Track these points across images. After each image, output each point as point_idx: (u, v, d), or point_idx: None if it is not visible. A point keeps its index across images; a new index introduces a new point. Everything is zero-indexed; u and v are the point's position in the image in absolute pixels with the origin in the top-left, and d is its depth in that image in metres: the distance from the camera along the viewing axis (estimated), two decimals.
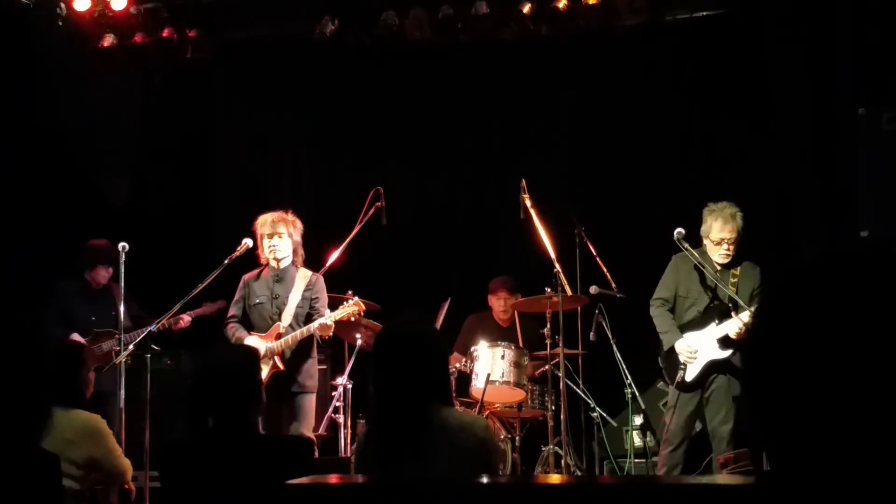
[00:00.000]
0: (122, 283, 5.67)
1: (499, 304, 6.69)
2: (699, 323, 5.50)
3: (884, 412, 0.98)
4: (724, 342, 5.35)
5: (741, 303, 5.24)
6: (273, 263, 5.75)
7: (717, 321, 5.43)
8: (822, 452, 1.01)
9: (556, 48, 7.47)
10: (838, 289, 1.04)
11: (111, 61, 7.65)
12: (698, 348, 5.42)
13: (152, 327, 5.56)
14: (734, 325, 5.34)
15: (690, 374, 5.45)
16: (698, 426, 5.72)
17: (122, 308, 5.77)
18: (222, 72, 8.21)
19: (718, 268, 5.49)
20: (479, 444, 2.80)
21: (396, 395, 2.81)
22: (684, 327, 5.54)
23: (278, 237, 5.70)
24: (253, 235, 5.78)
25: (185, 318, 6.20)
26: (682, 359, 5.45)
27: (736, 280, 5.45)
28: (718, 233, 5.42)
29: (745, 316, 5.21)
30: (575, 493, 2.20)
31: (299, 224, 5.82)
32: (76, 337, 6.12)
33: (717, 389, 5.45)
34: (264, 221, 5.74)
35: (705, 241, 5.53)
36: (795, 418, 1.03)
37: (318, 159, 8.22)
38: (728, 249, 5.41)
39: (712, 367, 5.44)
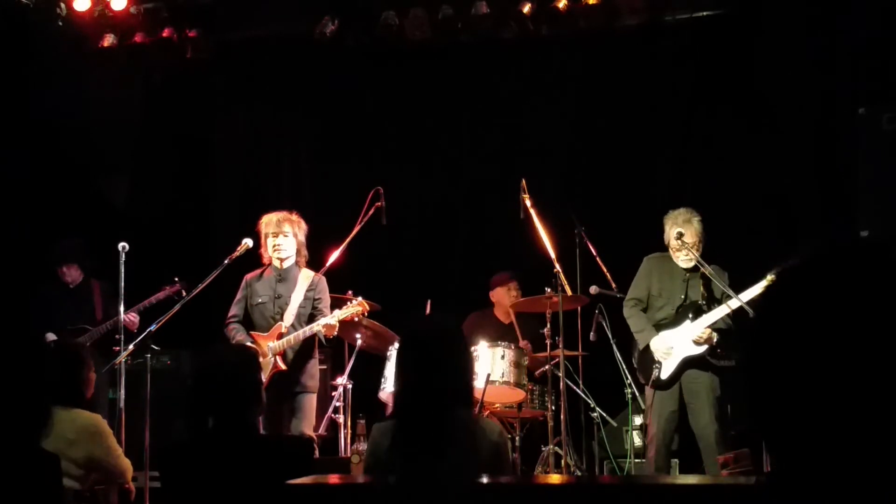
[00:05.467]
0: (122, 284, 5.67)
1: (510, 294, 6.69)
2: (673, 321, 5.52)
3: (885, 409, 0.98)
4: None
5: (729, 291, 5.25)
6: (276, 263, 5.75)
7: (690, 318, 5.45)
8: (825, 450, 1.00)
9: (556, 48, 7.47)
10: (839, 285, 1.04)
11: (111, 61, 7.65)
12: (673, 346, 5.44)
13: (152, 327, 5.56)
14: (714, 317, 5.37)
15: (665, 372, 5.46)
16: (676, 440, 5.71)
17: (122, 308, 5.78)
18: (222, 72, 8.21)
19: (688, 272, 5.53)
20: (493, 448, 2.82)
21: (418, 396, 2.81)
22: (658, 326, 5.56)
23: (283, 236, 5.70)
24: (256, 235, 5.78)
25: (131, 317, 6.23)
26: (658, 355, 5.45)
27: (705, 281, 5.48)
28: (676, 238, 5.45)
29: (734, 303, 5.22)
30: (575, 493, 2.21)
31: (304, 224, 5.81)
32: (49, 336, 6.25)
33: (698, 391, 5.44)
34: (269, 221, 5.74)
35: (670, 249, 5.57)
36: (797, 416, 1.02)
37: (318, 159, 8.21)
38: (688, 254, 5.43)
39: (687, 364, 5.45)
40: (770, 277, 5.17)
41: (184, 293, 5.93)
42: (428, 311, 6.36)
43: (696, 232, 5.46)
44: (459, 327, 3.06)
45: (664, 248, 5.67)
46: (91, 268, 6.71)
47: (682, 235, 5.46)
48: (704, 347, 5.41)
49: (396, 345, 5.79)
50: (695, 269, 5.52)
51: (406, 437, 2.80)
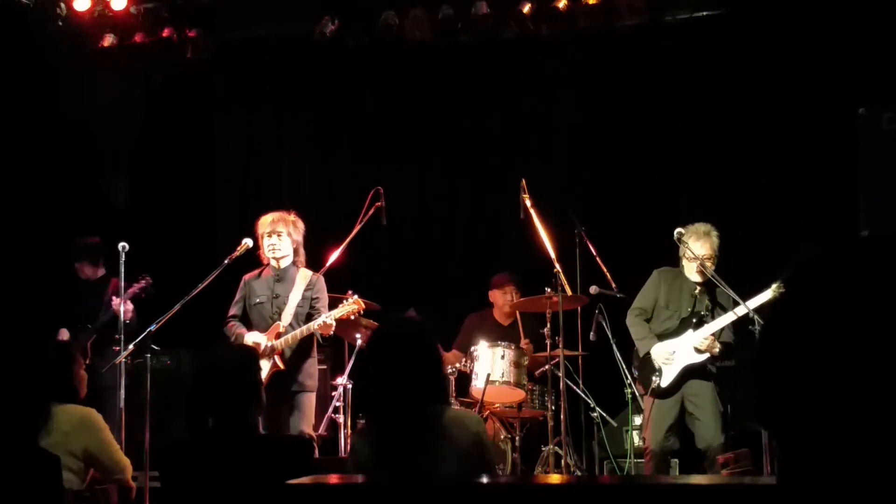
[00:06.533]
0: (122, 283, 5.67)
1: (505, 298, 6.68)
2: (675, 332, 5.51)
3: None
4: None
5: (736, 297, 5.24)
6: (273, 263, 5.76)
7: (693, 328, 5.44)
8: (837, 449, 1.00)
9: (556, 48, 7.47)
10: (852, 282, 1.03)
11: (111, 61, 7.66)
12: (674, 352, 5.43)
13: (152, 327, 5.56)
14: (716, 326, 5.38)
15: (666, 380, 5.43)
16: (676, 445, 5.68)
17: (122, 308, 5.77)
18: (222, 72, 8.22)
19: (697, 287, 5.53)
20: (474, 439, 2.81)
21: (393, 396, 2.81)
22: (660, 337, 5.53)
23: (277, 236, 5.71)
24: (254, 236, 5.78)
25: (116, 301, 6.24)
26: (659, 362, 5.44)
27: (713, 296, 5.49)
28: (694, 251, 5.45)
29: (740, 310, 5.21)
30: (575, 493, 2.21)
31: (300, 224, 5.81)
32: (63, 332, 6.28)
33: (702, 403, 5.41)
34: (264, 221, 5.76)
35: (683, 262, 5.56)
36: (809, 414, 1.02)
37: (318, 159, 8.22)
38: (702, 266, 5.43)
39: (688, 374, 5.43)
40: (778, 285, 5.22)
41: (151, 287, 5.98)
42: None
43: (712, 246, 5.46)
44: (423, 324, 3.06)
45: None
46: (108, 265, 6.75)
47: (682, 235, 5.45)
48: (706, 356, 5.40)
49: None
50: (704, 283, 5.51)
51: (382, 440, 2.80)
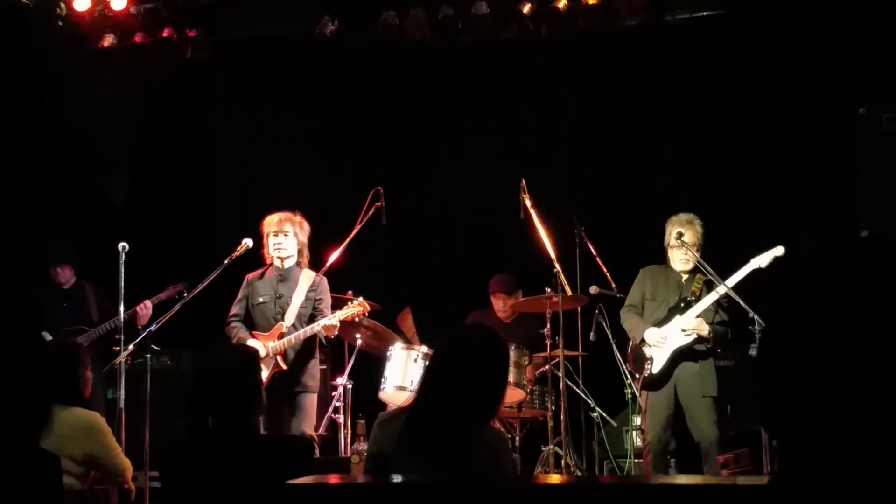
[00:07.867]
0: (122, 283, 5.66)
1: (497, 304, 6.69)
2: (664, 320, 5.53)
3: None
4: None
5: (716, 279, 5.27)
6: (277, 263, 5.76)
7: (680, 312, 5.46)
8: (839, 449, 1.00)
9: (556, 48, 7.47)
10: (852, 281, 1.03)
11: (111, 61, 7.65)
12: (666, 335, 5.45)
13: (152, 327, 5.56)
14: (702, 306, 5.40)
15: (657, 366, 5.45)
16: (673, 443, 5.68)
17: (121, 308, 5.77)
18: (222, 72, 8.22)
19: (684, 276, 5.56)
20: (499, 463, 2.83)
21: (443, 404, 2.79)
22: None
23: (284, 236, 5.71)
24: (258, 235, 5.78)
25: (147, 304, 6.25)
26: (653, 344, 5.44)
27: (700, 286, 5.51)
28: (676, 238, 5.51)
29: (721, 289, 5.26)
30: (575, 493, 2.21)
31: (306, 225, 5.82)
32: (45, 336, 6.27)
33: (693, 394, 5.42)
34: (271, 220, 5.75)
35: (668, 252, 5.60)
36: (811, 415, 1.02)
37: (318, 159, 8.22)
38: (687, 254, 5.46)
39: (678, 357, 5.44)
40: (753, 262, 5.26)
41: (185, 294, 5.93)
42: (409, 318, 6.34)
43: (696, 234, 5.51)
44: (503, 339, 2.99)
45: (664, 249, 5.67)
46: (82, 270, 6.72)
47: (682, 235, 5.48)
48: (693, 337, 5.40)
49: (398, 344, 5.81)
50: (691, 272, 5.53)
51: (419, 439, 2.79)
